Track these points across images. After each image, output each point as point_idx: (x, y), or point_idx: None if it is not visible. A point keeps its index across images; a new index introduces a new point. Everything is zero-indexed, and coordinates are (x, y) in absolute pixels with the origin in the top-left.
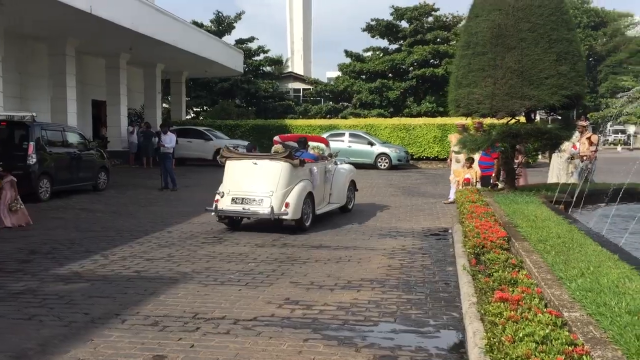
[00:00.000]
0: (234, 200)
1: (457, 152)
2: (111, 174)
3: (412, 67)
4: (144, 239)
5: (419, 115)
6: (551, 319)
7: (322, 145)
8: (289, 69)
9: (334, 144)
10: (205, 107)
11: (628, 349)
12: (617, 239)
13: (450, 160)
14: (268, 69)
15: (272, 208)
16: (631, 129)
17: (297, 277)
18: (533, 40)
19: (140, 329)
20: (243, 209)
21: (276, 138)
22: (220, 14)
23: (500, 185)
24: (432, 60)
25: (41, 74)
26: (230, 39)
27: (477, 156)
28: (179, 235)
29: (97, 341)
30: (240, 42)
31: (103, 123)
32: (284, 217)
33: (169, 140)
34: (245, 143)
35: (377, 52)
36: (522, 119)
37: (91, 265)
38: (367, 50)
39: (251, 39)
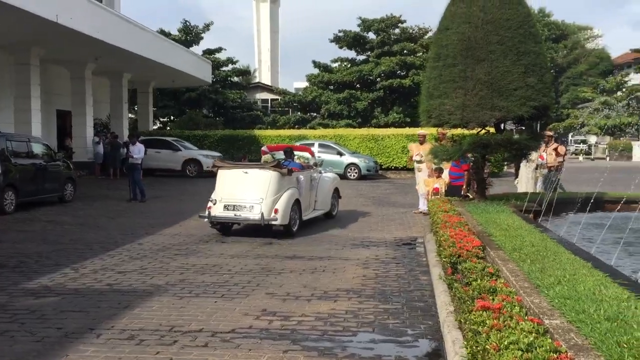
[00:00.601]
0: (226, 207)
1: (419, 162)
2: (77, 185)
3: (379, 78)
4: (114, 251)
5: (386, 125)
6: (533, 327)
7: (307, 155)
8: (257, 80)
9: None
10: (172, 117)
11: (610, 355)
12: (588, 246)
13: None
14: (236, 79)
15: (262, 214)
16: (592, 139)
17: (273, 288)
18: (502, 53)
19: (117, 343)
20: (235, 215)
21: (264, 148)
22: (188, 24)
23: (471, 196)
24: (399, 72)
25: (5, 84)
26: (198, 49)
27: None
28: (151, 247)
29: (73, 357)
30: (208, 52)
31: (68, 133)
32: (274, 222)
33: (138, 150)
34: (216, 154)
35: (345, 63)
36: (492, 130)
37: (61, 279)
38: (335, 61)
39: (219, 50)
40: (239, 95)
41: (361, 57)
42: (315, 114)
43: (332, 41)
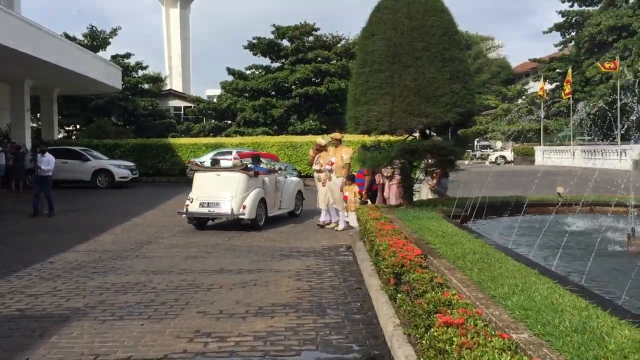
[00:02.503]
0: (201, 205)
1: (319, 171)
2: None
3: (294, 86)
4: (23, 271)
5: (303, 132)
6: (504, 343)
7: (273, 161)
8: (168, 87)
9: (221, 162)
10: (78, 126)
11: None
12: (521, 251)
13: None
14: (147, 86)
15: (232, 209)
16: (498, 144)
17: (204, 305)
18: (428, 59)
19: None
20: (209, 211)
21: (235, 155)
22: (94, 29)
23: (369, 202)
24: (314, 79)
25: None
26: (105, 55)
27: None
28: (63, 266)
29: None
30: (116, 58)
31: None
32: (242, 217)
33: (47, 162)
34: (129, 163)
35: (260, 70)
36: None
37: None
38: (249, 68)
39: (127, 55)
40: (151, 103)
41: (276, 65)
42: (230, 122)
43: (246, 48)
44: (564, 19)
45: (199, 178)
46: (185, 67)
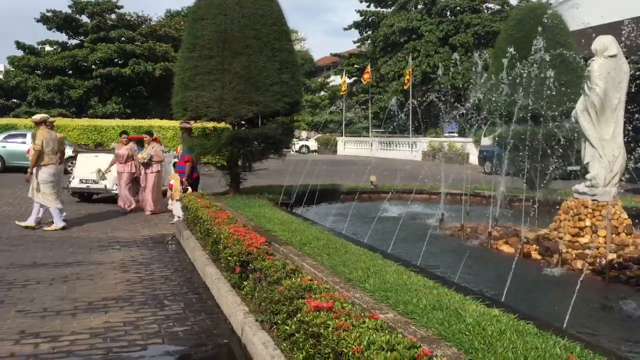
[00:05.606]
0: (81, 181)
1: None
2: None
3: (95, 65)
4: None
5: (105, 116)
6: (377, 323)
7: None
8: None
9: (13, 146)
10: None
11: (461, 345)
12: (353, 236)
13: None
14: None
15: (106, 186)
16: (303, 134)
17: (23, 303)
18: (258, 48)
19: None
20: (87, 186)
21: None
22: None
23: (189, 189)
24: (117, 60)
25: None
26: None
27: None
28: None
29: None
30: None
31: None
32: (115, 192)
33: None
34: None
35: (56, 47)
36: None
37: None
38: (42, 43)
39: None
40: None
41: (74, 42)
42: (19, 101)
43: (39, 21)
44: (362, 18)
45: (81, 158)
46: None
